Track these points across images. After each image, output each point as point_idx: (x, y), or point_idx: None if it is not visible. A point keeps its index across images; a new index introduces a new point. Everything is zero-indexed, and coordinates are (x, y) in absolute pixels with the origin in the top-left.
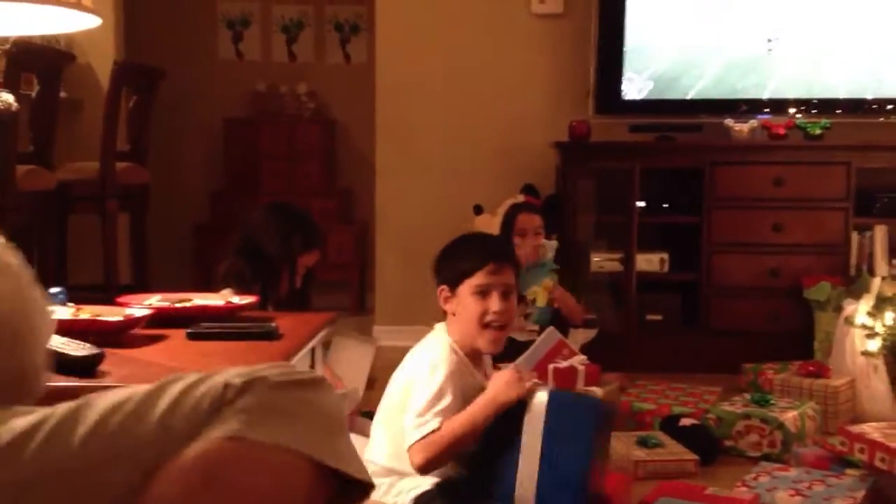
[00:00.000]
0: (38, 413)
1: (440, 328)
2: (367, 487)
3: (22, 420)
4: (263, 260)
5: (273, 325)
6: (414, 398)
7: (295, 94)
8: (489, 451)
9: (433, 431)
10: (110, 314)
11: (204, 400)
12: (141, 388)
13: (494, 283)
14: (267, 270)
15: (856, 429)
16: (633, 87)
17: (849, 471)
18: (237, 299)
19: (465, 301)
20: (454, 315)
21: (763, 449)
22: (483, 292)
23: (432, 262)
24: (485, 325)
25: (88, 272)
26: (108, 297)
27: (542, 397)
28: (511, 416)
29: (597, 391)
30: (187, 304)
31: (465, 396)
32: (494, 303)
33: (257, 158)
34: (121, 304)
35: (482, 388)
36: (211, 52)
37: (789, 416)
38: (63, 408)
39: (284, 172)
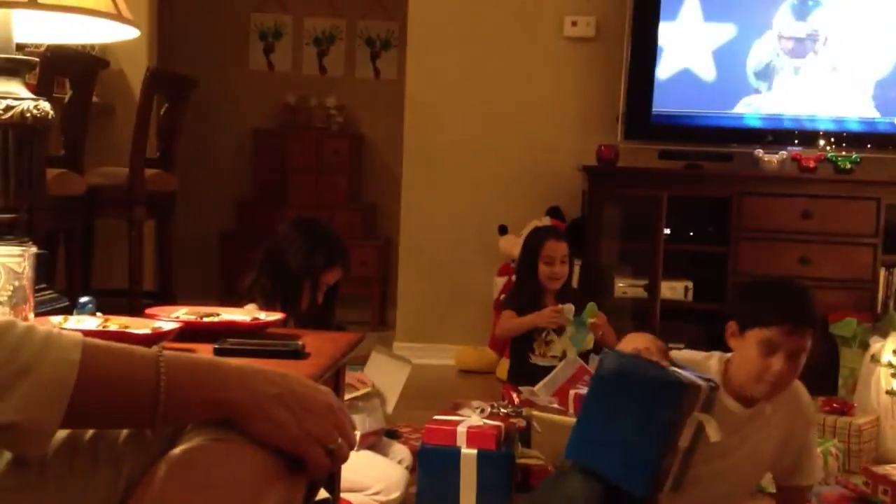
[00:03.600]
0: None
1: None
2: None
3: None
4: (286, 275)
5: (300, 343)
6: None
7: (324, 107)
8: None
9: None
10: (139, 326)
11: None
12: None
13: (784, 343)
14: (289, 286)
15: (880, 469)
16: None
17: None
18: (263, 315)
19: (749, 349)
20: (737, 354)
21: None
22: (769, 348)
23: (740, 290)
24: (759, 380)
25: (113, 277)
26: (131, 302)
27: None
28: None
29: None
30: (215, 319)
31: None
32: (777, 362)
33: (285, 170)
34: (149, 316)
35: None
36: (242, 63)
37: None
38: None
39: (311, 184)
